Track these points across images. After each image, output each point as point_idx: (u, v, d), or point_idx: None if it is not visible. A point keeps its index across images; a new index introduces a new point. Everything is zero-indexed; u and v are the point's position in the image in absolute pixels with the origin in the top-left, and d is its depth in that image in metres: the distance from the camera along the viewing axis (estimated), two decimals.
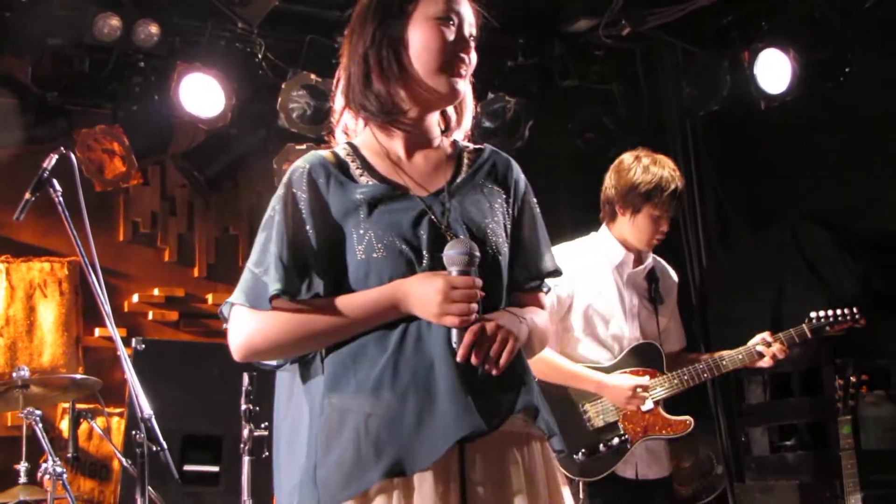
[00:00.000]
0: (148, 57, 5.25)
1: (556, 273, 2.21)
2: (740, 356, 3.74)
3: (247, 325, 2.01)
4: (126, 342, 4.24)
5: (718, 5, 5.34)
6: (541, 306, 2.21)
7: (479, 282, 1.96)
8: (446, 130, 2.19)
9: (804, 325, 3.79)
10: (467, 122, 2.21)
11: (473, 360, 1.93)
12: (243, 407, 3.75)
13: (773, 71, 5.27)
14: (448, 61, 2.06)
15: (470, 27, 2.10)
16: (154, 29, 5.06)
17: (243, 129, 5.68)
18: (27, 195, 3.05)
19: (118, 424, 5.10)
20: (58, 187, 3.08)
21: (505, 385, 2.00)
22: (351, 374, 1.97)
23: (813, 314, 3.81)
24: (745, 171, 5.80)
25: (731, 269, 5.73)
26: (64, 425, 5.23)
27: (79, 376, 4.64)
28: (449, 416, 1.91)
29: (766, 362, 3.74)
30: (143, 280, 5.89)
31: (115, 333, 2.92)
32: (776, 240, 5.37)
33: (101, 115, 5.49)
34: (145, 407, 2.80)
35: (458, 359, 1.93)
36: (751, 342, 3.76)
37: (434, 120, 2.16)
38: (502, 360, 1.96)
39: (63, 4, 4.98)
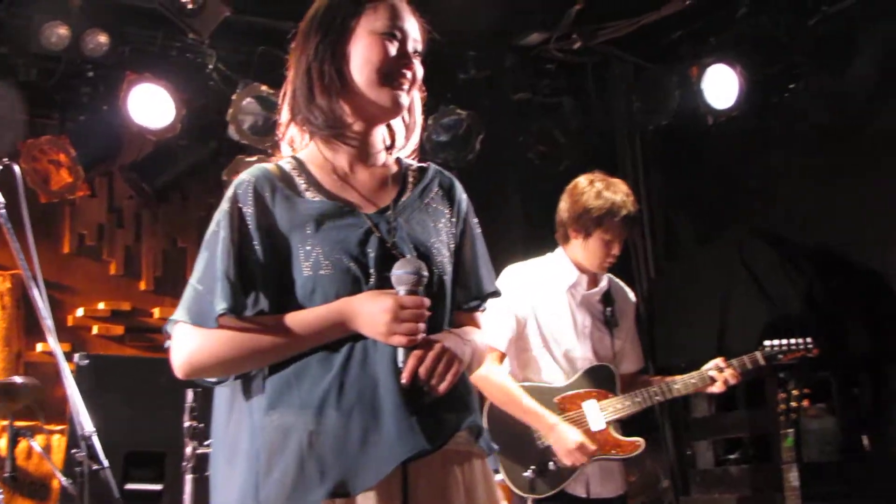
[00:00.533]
0: (97, 67, 5.20)
1: (496, 294, 2.22)
2: (693, 380, 3.76)
3: (190, 343, 1.98)
4: (69, 357, 4.18)
5: (668, 21, 5.40)
6: (478, 326, 2.21)
7: (427, 302, 1.96)
8: (391, 147, 2.18)
9: (757, 353, 3.81)
10: (415, 139, 2.20)
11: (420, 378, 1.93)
12: (187, 424, 3.71)
13: (721, 86, 5.32)
14: (389, 74, 2.05)
15: (414, 43, 2.10)
16: (103, 38, 5.01)
17: (193, 141, 5.63)
18: None
19: (59, 442, 4.99)
20: (0, 199, 3.04)
21: (449, 405, 2.00)
22: (294, 392, 1.96)
23: (767, 342, 3.82)
24: (694, 184, 5.86)
25: (679, 282, 5.78)
26: (2, 443, 5.12)
27: (19, 379, 4.45)
28: (393, 436, 1.90)
29: (718, 387, 3.75)
30: (88, 293, 5.79)
31: (57, 348, 2.89)
32: (723, 253, 5.43)
33: (48, 126, 5.42)
34: (87, 424, 2.77)
35: (404, 381, 1.93)
36: (704, 367, 3.77)
37: (379, 136, 2.15)
38: (445, 383, 1.95)
39: (9, 12, 4.90)
